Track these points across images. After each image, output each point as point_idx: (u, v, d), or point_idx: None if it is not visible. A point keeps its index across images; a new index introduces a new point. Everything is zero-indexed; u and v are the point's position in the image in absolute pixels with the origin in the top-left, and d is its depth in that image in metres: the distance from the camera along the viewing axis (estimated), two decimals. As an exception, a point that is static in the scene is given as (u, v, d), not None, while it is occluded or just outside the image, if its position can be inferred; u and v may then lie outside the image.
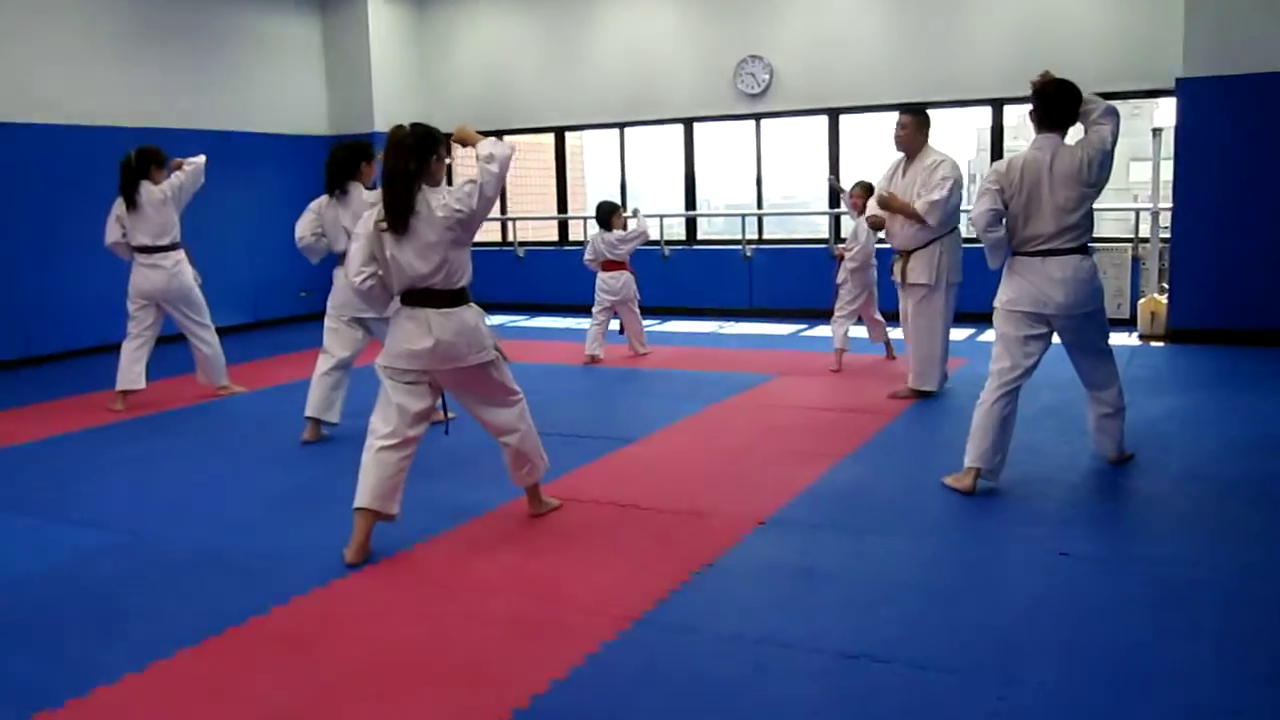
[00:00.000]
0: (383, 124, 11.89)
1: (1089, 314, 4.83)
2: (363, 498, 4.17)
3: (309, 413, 6.20)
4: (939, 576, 3.86)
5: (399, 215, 4.07)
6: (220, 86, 11.42)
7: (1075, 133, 4.84)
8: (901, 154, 6.86)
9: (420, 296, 4.16)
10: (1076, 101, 4.71)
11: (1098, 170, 4.68)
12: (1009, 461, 4.89)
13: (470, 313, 4.22)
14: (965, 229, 6.86)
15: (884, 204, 6.76)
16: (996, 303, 4.96)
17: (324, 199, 6.20)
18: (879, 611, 3.53)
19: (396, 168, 4.05)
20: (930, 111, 10.87)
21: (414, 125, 4.16)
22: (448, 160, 4.25)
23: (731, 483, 5.14)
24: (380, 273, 4.21)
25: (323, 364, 6.22)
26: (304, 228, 6.21)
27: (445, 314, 4.15)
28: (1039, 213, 4.74)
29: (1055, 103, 4.71)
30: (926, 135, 6.79)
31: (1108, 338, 5.03)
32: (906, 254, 6.76)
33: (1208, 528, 4.32)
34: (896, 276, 6.87)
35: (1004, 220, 4.79)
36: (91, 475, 5.70)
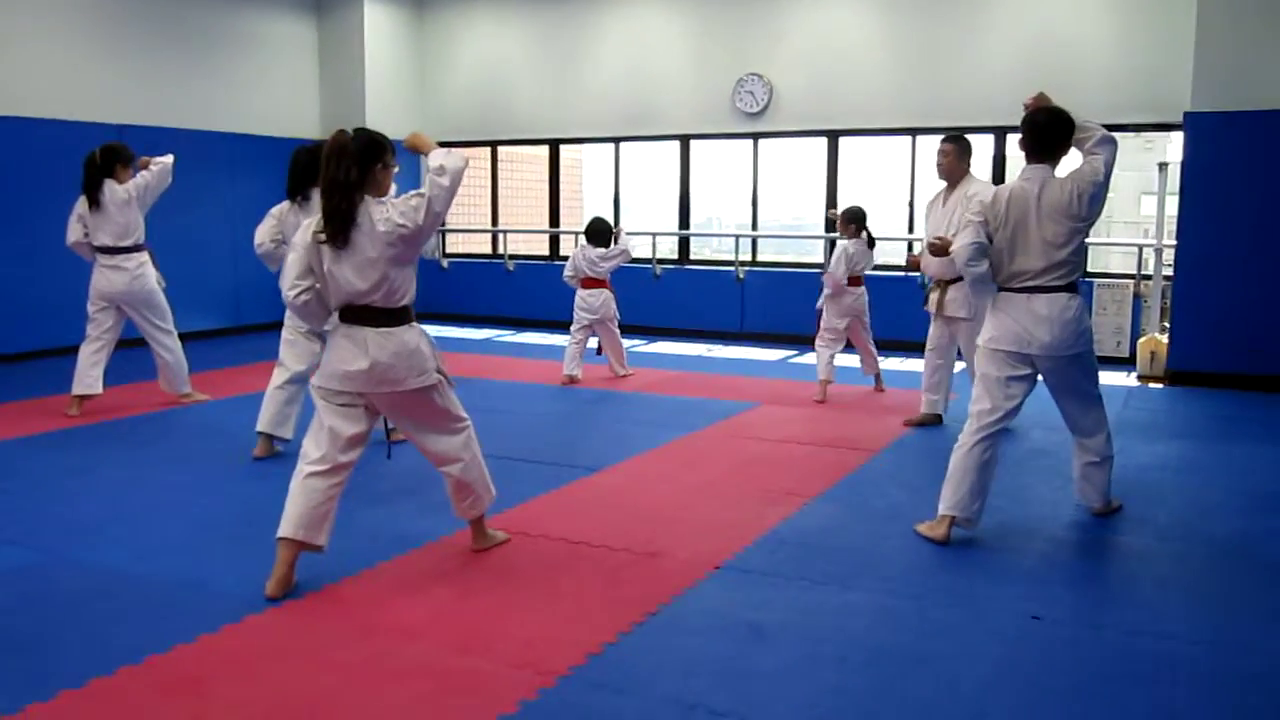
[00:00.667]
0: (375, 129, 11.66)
1: (1075, 356, 4.54)
2: (287, 527, 3.89)
3: (260, 428, 5.94)
4: (898, 639, 3.55)
5: (338, 227, 3.81)
6: (210, 86, 11.20)
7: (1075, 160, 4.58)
8: (943, 182, 6.62)
9: (358, 314, 3.90)
10: (1068, 131, 4.44)
11: (1089, 204, 4.40)
12: (988, 508, 4.61)
13: (412, 333, 3.95)
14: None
15: (936, 251, 6.24)
16: (979, 341, 4.71)
17: (285, 204, 5.96)
18: (827, 678, 3.24)
19: (336, 176, 3.79)
20: (934, 138, 10.67)
21: (358, 130, 3.91)
22: (395, 168, 3.99)
23: (693, 521, 4.85)
24: (317, 286, 3.94)
25: (277, 377, 5.97)
26: (263, 234, 5.96)
27: (384, 334, 3.88)
28: (1025, 248, 4.47)
29: (1045, 132, 4.44)
30: (968, 163, 6.58)
31: (1096, 382, 4.74)
32: (944, 284, 6.51)
33: (1193, 593, 4.02)
34: (931, 307, 6.65)
35: (988, 254, 4.52)
36: (25, 485, 5.42)
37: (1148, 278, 9.48)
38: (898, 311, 9.63)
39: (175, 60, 10.83)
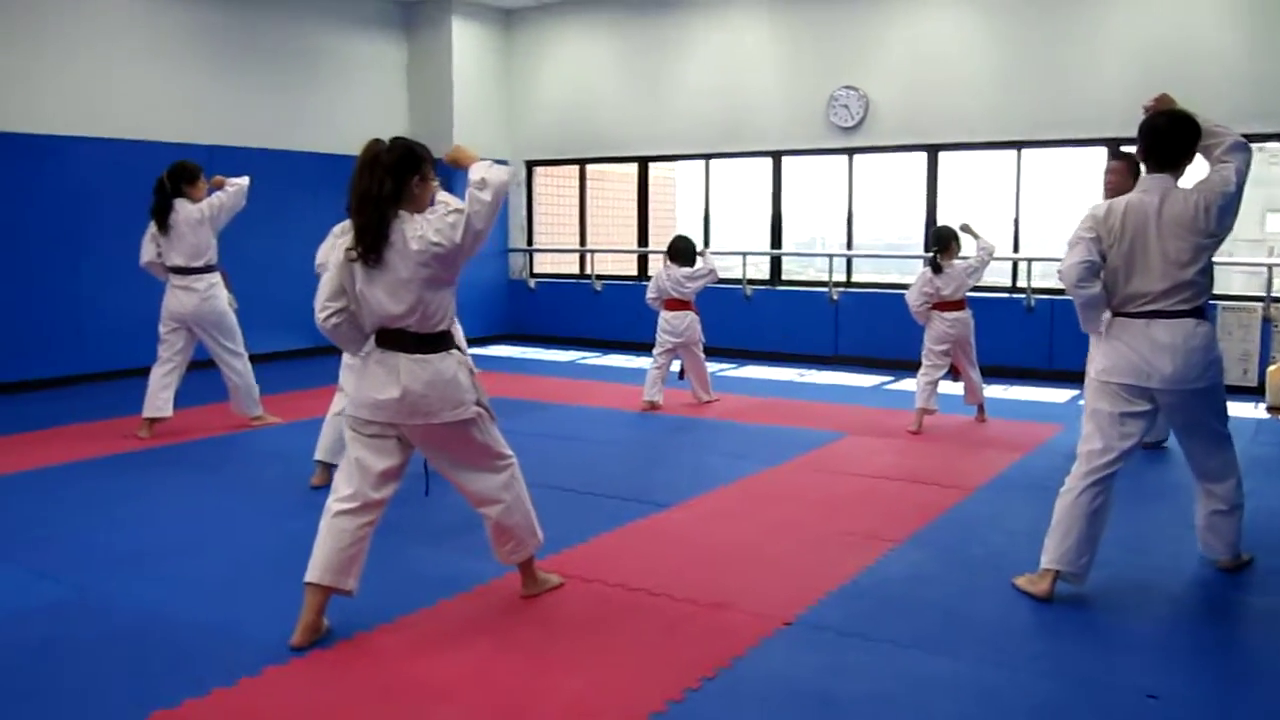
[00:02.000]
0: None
1: (1203, 390, 4.00)
2: (314, 571, 3.58)
3: (318, 456, 5.70)
4: (989, 719, 3.08)
5: (369, 245, 3.53)
6: (299, 106, 11.16)
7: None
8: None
9: (393, 338, 3.59)
10: (1193, 136, 3.93)
11: (1217, 217, 3.88)
12: (1098, 560, 4.09)
13: (449, 361, 3.63)
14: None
15: None
16: (1090, 372, 4.18)
17: (346, 222, 5.69)
18: (904, 766, 2.80)
19: (368, 189, 3.51)
20: (1041, 152, 10.10)
21: (394, 140, 3.61)
22: (435, 182, 3.68)
23: (766, 567, 4.42)
24: (350, 309, 3.65)
25: (336, 403, 5.72)
26: (323, 253, 5.71)
27: (418, 361, 3.57)
28: (1145, 267, 3.95)
29: (1166, 138, 3.93)
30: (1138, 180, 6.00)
31: (1225, 419, 4.18)
32: None
33: (1343, 668, 3.46)
34: None
35: (1100, 274, 4.02)
36: (74, 512, 5.27)
37: (1278, 300, 8.75)
38: (1000, 335, 9.05)
39: (264, 80, 10.81)
